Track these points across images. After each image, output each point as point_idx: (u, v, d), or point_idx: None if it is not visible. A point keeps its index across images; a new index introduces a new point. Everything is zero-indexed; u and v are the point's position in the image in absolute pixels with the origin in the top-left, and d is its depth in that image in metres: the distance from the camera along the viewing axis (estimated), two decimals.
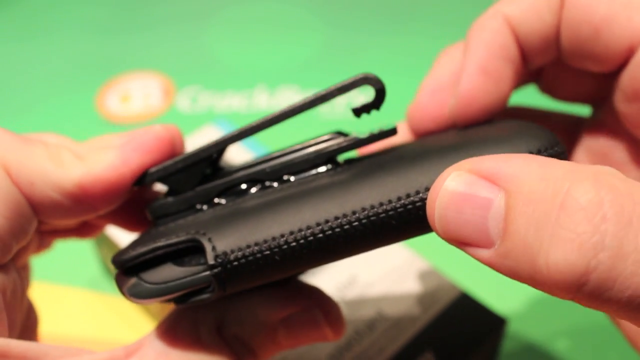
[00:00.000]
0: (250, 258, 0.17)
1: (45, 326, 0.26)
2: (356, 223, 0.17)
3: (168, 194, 0.21)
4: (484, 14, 0.23)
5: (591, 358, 0.33)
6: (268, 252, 0.17)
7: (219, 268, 0.18)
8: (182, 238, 0.18)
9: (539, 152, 0.18)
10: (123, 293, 0.19)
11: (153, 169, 0.21)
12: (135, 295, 0.19)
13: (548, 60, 0.23)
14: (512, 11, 0.22)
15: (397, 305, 0.28)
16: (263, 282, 0.18)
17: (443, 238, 0.17)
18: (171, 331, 0.20)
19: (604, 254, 0.14)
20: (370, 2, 0.60)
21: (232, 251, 0.18)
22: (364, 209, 0.17)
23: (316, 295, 0.21)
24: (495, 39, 0.22)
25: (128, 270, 0.19)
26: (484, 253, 0.16)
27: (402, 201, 0.17)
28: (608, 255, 0.14)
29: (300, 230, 0.17)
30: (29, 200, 0.20)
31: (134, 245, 0.20)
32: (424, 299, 0.28)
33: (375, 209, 0.17)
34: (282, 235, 0.17)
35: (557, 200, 0.14)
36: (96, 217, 0.23)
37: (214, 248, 0.18)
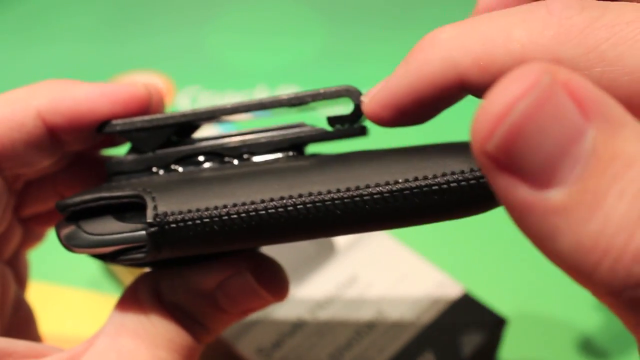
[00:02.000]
0: (189, 223, 0.17)
1: (45, 326, 0.26)
2: (300, 206, 0.17)
3: (129, 152, 0.21)
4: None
5: (590, 358, 0.33)
6: (207, 220, 0.17)
7: (156, 228, 0.17)
8: (127, 193, 0.18)
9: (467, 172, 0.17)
10: (60, 239, 0.19)
11: (118, 120, 0.21)
12: (71, 243, 0.19)
13: None
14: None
15: (398, 305, 0.28)
16: (199, 251, 0.18)
17: (484, 156, 0.12)
18: (127, 301, 0.20)
19: None
20: (371, 2, 0.60)
21: (172, 213, 0.17)
22: (310, 194, 0.17)
23: (250, 258, 0.21)
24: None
25: (69, 217, 0.19)
26: (529, 193, 0.12)
27: (350, 192, 0.17)
28: None
29: (243, 204, 0.17)
30: None
31: (81, 193, 0.20)
32: (424, 299, 0.28)
33: (322, 195, 0.17)
34: (225, 206, 0.17)
35: None
36: (63, 178, 0.23)
37: (155, 207, 0.18)
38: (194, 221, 0.17)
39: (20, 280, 0.24)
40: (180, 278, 0.20)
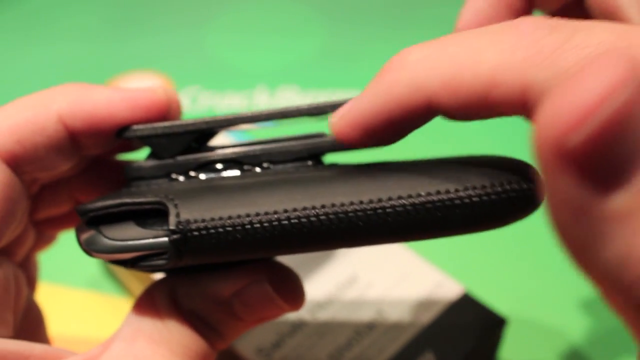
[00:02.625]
0: (212, 231, 0.17)
1: None
2: (323, 217, 0.17)
3: (149, 157, 0.21)
4: None
5: (591, 357, 0.33)
6: (230, 229, 0.17)
7: (179, 235, 0.17)
8: (149, 199, 0.18)
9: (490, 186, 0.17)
10: (80, 243, 0.19)
11: (138, 125, 0.21)
12: (91, 247, 0.19)
13: None
14: None
15: (397, 305, 0.28)
16: (220, 259, 0.18)
17: (558, 151, 0.11)
18: (143, 305, 0.20)
19: None
20: (371, 2, 0.60)
21: (195, 221, 0.17)
22: (333, 205, 0.17)
23: (269, 267, 0.21)
24: None
25: (90, 221, 0.19)
26: (592, 195, 0.11)
27: (373, 204, 0.17)
28: None
29: (266, 213, 0.17)
30: (15, 157, 0.20)
31: (102, 198, 0.20)
32: (424, 299, 0.28)
33: (345, 207, 0.17)
34: (248, 215, 0.17)
35: None
36: (80, 184, 0.23)
37: (177, 214, 0.18)
38: (216, 229, 0.17)
39: (31, 282, 0.24)
40: (197, 285, 0.20)
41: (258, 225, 0.17)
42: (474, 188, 0.17)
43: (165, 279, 0.21)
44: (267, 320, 0.21)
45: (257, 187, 0.18)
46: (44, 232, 0.24)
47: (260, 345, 0.27)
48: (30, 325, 0.23)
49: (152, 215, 0.19)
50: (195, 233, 0.17)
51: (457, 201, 0.17)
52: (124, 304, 0.35)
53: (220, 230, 0.17)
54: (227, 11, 0.60)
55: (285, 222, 0.17)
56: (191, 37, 0.57)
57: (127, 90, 0.21)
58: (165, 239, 0.18)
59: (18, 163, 0.20)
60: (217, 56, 0.54)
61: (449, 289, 0.29)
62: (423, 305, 0.28)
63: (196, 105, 0.50)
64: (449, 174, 0.17)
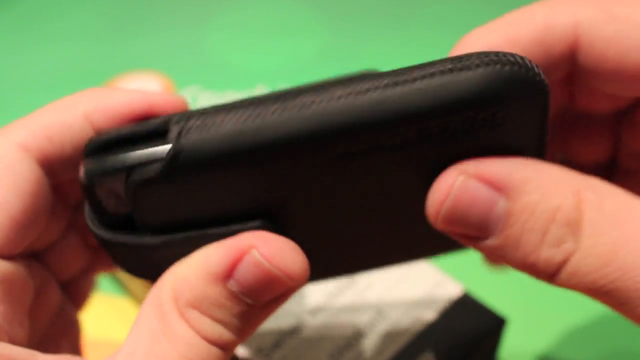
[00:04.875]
0: (210, 123, 0.17)
1: None
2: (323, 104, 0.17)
3: None
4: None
5: (591, 357, 0.33)
6: (230, 124, 0.17)
7: (178, 131, 0.17)
8: (154, 123, 0.19)
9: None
10: (81, 180, 0.19)
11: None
12: (89, 172, 0.19)
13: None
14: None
15: (397, 305, 0.28)
16: (219, 175, 0.18)
17: (441, 230, 0.19)
18: (147, 312, 0.20)
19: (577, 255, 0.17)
20: (371, 2, 0.60)
21: (195, 119, 0.17)
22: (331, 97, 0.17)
23: (258, 238, 0.20)
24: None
25: (90, 152, 0.19)
26: (480, 243, 0.18)
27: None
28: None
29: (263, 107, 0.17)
30: (46, 156, 0.21)
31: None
32: (423, 299, 0.28)
33: (342, 99, 0.17)
34: (249, 114, 0.17)
35: (551, 212, 0.17)
36: None
37: (178, 121, 0.18)
38: (214, 122, 0.17)
39: (78, 299, 0.25)
40: (194, 271, 0.19)
41: (258, 120, 0.17)
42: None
43: (165, 277, 0.20)
44: (277, 304, 0.20)
45: (270, 100, 0.18)
46: (103, 258, 0.25)
47: (260, 345, 0.27)
48: (59, 334, 0.23)
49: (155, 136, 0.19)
50: (194, 127, 0.17)
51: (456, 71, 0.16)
52: (124, 304, 0.35)
53: (219, 121, 0.17)
54: (228, 12, 0.60)
55: (279, 113, 0.17)
56: (191, 37, 0.57)
57: (147, 92, 0.22)
58: (162, 147, 0.18)
59: (49, 162, 0.21)
60: (217, 56, 0.54)
61: (449, 289, 0.29)
62: (423, 305, 0.28)
63: (196, 105, 0.50)
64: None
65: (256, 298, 0.19)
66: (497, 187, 0.18)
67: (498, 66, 0.16)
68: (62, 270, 0.23)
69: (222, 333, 0.19)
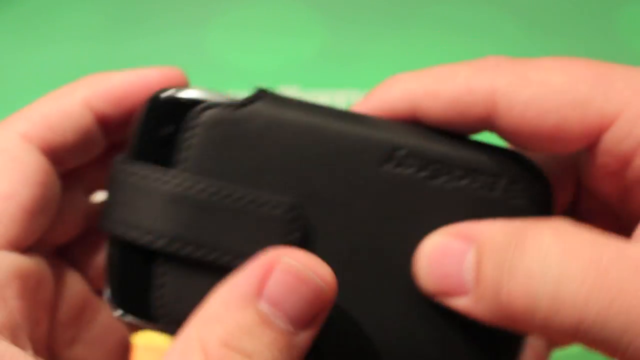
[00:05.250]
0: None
1: None
2: None
3: None
4: None
5: (593, 357, 0.33)
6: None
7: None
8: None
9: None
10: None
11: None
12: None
13: None
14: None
15: None
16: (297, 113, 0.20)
17: (428, 292, 0.19)
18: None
19: (546, 287, 0.17)
20: (370, 2, 0.60)
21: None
22: None
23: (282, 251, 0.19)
24: None
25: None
26: (462, 301, 0.18)
27: None
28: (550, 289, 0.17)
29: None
30: (49, 145, 0.21)
31: None
32: None
33: None
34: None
35: (516, 246, 0.17)
36: None
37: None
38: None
39: None
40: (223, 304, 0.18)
41: None
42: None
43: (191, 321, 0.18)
44: (313, 327, 0.18)
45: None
46: None
47: None
48: (90, 336, 0.23)
49: None
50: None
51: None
52: None
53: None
54: (228, 12, 0.60)
55: None
56: (191, 38, 0.57)
57: (142, 69, 0.22)
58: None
59: (52, 150, 0.21)
60: (217, 56, 0.54)
61: None
62: None
63: None
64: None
65: (290, 316, 0.17)
66: (465, 238, 0.19)
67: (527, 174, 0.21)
68: (86, 266, 0.23)
69: None
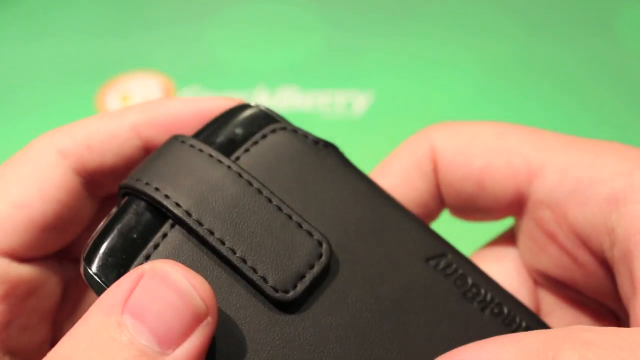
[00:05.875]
0: None
1: None
2: None
3: None
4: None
5: None
6: None
7: None
8: None
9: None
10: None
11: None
12: None
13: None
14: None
15: None
16: None
17: None
18: None
19: None
20: (370, 2, 0.60)
21: None
22: None
23: None
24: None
25: None
26: None
27: None
28: None
29: None
30: (87, 167, 0.20)
31: None
32: None
33: None
34: None
35: None
36: None
37: None
38: None
39: None
40: None
41: None
42: None
43: None
44: (198, 339, 0.16)
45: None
46: None
47: None
48: None
49: None
50: None
51: None
52: None
53: None
54: (228, 11, 0.60)
55: None
56: (191, 37, 0.57)
57: (197, 98, 0.21)
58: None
59: (88, 171, 0.20)
60: (217, 56, 0.54)
61: None
62: None
63: None
64: None
65: (154, 330, 0.15)
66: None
67: None
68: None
69: None
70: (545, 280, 0.22)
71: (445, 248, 0.20)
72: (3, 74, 0.53)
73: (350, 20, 0.58)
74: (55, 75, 0.53)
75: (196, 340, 0.15)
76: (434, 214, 0.23)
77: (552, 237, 0.20)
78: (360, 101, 0.49)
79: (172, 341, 0.15)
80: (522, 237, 0.22)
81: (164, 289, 0.15)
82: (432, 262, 0.20)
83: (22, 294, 0.20)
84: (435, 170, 0.21)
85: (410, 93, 0.50)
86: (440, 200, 0.22)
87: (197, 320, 0.15)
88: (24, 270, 0.20)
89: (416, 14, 0.58)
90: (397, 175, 0.22)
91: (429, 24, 0.56)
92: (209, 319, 0.15)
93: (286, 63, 0.53)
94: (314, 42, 0.55)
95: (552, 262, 0.21)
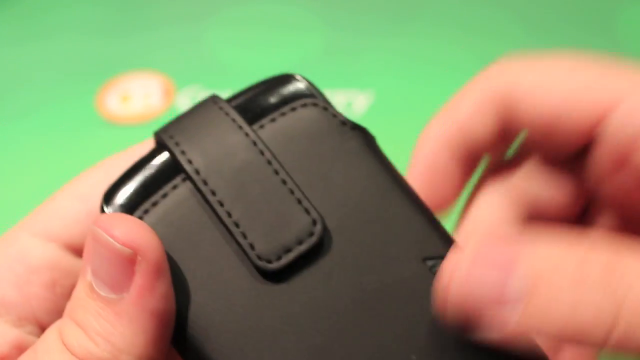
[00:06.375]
0: None
1: None
2: None
3: None
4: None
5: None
6: None
7: None
8: None
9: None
10: None
11: None
12: None
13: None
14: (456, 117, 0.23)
15: None
16: None
17: (452, 317, 0.17)
18: None
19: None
20: (370, 2, 0.60)
21: None
22: None
23: None
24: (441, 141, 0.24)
25: None
26: (502, 313, 0.16)
27: None
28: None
29: None
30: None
31: None
32: None
33: None
34: None
35: (578, 274, 0.15)
36: None
37: None
38: None
39: None
40: None
41: None
42: None
43: None
44: (147, 278, 0.18)
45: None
46: None
47: None
48: None
49: None
50: None
51: None
52: None
53: None
54: (228, 11, 0.60)
55: None
56: (191, 37, 0.57)
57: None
58: None
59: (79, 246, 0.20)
60: (217, 56, 0.54)
61: None
62: None
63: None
64: None
65: (105, 281, 0.17)
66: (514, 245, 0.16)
67: None
68: None
69: (87, 346, 0.17)
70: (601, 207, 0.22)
71: (447, 250, 0.19)
72: (3, 74, 0.53)
73: (350, 20, 0.58)
74: (55, 75, 0.53)
75: (139, 278, 0.17)
76: (499, 151, 0.23)
77: (624, 164, 0.20)
78: (360, 101, 0.49)
79: (121, 284, 0.17)
80: (592, 165, 0.21)
81: (97, 246, 0.17)
82: (429, 263, 0.19)
83: (69, 285, 0.20)
84: (509, 106, 0.21)
85: (410, 93, 0.50)
86: (506, 139, 0.23)
87: (130, 262, 0.17)
88: (77, 264, 0.20)
89: (416, 14, 0.58)
90: (468, 110, 0.22)
91: (429, 24, 0.56)
92: (139, 257, 0.17)
93: (286, 63, 0.53)
94: (314, 42, 0.55)
95: (618, 190, 0.21)
